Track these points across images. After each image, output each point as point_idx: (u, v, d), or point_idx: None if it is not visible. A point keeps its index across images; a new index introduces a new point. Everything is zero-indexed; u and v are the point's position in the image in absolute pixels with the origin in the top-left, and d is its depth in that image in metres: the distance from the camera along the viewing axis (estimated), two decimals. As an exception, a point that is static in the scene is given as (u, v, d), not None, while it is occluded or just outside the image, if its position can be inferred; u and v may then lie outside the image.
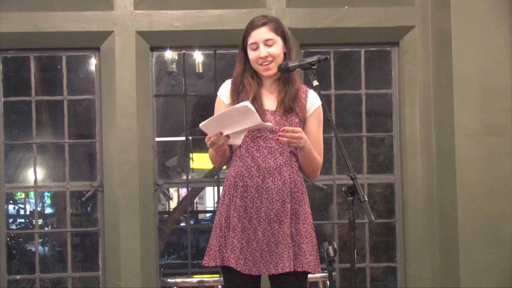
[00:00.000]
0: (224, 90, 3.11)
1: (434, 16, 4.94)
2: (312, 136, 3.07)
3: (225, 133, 2.86)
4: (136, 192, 4.83)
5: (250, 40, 3.02)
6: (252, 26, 3.03)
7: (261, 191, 2.99)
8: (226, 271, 3.04)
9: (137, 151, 4.85)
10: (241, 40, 3.06)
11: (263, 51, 3.01)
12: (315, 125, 3.09)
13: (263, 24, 3.03)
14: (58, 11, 4.85)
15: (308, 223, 3.04)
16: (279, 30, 3.05)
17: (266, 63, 3.02)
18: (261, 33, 3.01)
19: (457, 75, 4.71)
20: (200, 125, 2.83)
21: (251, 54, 3.03)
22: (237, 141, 2.93)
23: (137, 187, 4.84)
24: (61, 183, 5.07)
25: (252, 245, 2.98)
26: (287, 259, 2.97)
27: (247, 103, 2.81)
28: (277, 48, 3.03)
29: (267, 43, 3.01)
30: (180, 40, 4.98)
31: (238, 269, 2.97)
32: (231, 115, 2.83)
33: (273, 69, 3.03)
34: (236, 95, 3.05)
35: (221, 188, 5.16)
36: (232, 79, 3.11)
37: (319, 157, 3.08)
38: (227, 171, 3.10)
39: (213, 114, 2.96)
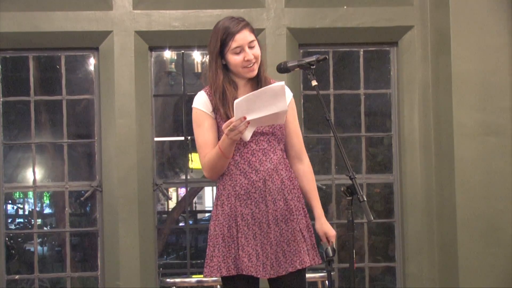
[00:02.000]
0: (202, 101, 3.07)
1: (433, 16, 4.94)
2: (293, 126, 3.12)
3: (248, 118, 2.80)
4: (135, 192, 4.83)
5: (234, 44, 2.98)
6: (232, 31, 2.98)
7: (264, 195, 2.99)
8: (227, 279, 3.03)
9: (136, 151, 4.85)
10: (218, 47, 3.00)
11: (250, 53, 3.00)
12: (293, 116, 3.12)
13: (245, 27, 3.00)
14: (57, 11, 4.85)
15: (306, 217, 3.09)
16: (254, 30, 3.06)
17: (251, 65, 3.02)
18: (245, 36, 3.00)
19: (456, 75, 4.71)
20: (236, 101, 2.78)
21: (235, 58, 3.00)
22: (248, 134, 2.89)
23: (136, 187, 4.84)
24: (60, 183, 5.07)
25: (267, 249, 2.98)
26: (304, 254, 2.99)
27: (283, 83, 2.80)
28: (258, 48, 3.04)
29: (250, 45, 3.01)
30: (179, 40, 4.98)
31: (259, 276, 2.97)
32: (264, 95, 2.79)
33: (256, 70, 3.04)
34: (221, 104, 3.02)
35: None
36: (213, 88, 3.05)
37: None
38: (220, 180, 3.06)
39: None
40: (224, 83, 3.02)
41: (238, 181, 3.00)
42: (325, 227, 3.07)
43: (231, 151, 2.95)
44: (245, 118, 2.80)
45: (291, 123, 3.10)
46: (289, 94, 3.11)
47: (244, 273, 2.97)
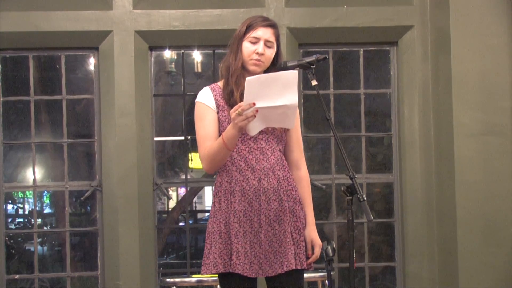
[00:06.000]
0: (205, 96, 3.07)
1: (433, 15, 4.94)
2: (295, 133, 3.13)
3: (257, 104, 2.78)
4: (135, 191, 4.83)
5: (254, 33, 3.01)
6: (257, 23, 3.02)
7: (258, 193, 2.99)
8: (225, 277, 3.03)
9: (136, 150, 4.85)
10: (242, 32, 3.03)
11: (263, 47, 3.01)
12: (296, 122, 3.11)
13: (271, 26, 3.04)
14: (57, 10, 4.85)
15: (303, 220, 3.08)
16: (278, 37, 3.07)
17: (258, 60, 3.02)
18: (266, 32, 3.02)
19: (456, 75, 4.72)
20: (248, 78, 2.77)
21: (249, 47, 3.02)
22: (254, 128, 2.88)
23: (136, 187, 4.84)
24: (60, 182, 5.07)
25: (256, 249, 2.97)
26: (291, 256, 2.98)
27: (296, 71, 2.80)
28: (272, 52, 3.05)
29: (267, 44, 3.03)
30: (179, 40, 4.98)
31: (245, 274, 2.96)
32: (277, 81, 2.78)
33: (260, 68, 3.04)
34: (236, 87, 3.00)
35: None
36: (231, 70, 3.04)
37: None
38: (218, 177, 3.06)
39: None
40: (241, 68, 3.04)
41: (233, 177, 3.01)
42: (313, 234, 3.09)
43: (234, 143, 2.94)
44: (254, 104, 2.79)
45: (293, 130, 3.11)
46: None
47: (227, 270, 2.98)
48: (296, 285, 3.02)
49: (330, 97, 5.11)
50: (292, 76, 2.79)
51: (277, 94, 2.79)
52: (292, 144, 3.14)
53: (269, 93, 2.79)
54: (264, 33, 3.02)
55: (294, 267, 2.98)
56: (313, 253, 3.06)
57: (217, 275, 3.06)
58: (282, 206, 3.01)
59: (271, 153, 3.04)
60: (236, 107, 2.83)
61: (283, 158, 3.09)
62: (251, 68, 3.03)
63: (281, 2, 4.92)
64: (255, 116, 2.81)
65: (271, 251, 2.98)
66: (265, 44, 3.02)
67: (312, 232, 3.09)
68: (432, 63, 4.94)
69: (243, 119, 2.82)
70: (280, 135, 3.08)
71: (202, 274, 3.05)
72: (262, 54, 3.01)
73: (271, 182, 3.00)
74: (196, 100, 3.10)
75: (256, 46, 3.01)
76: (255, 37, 3.01)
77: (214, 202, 3.06)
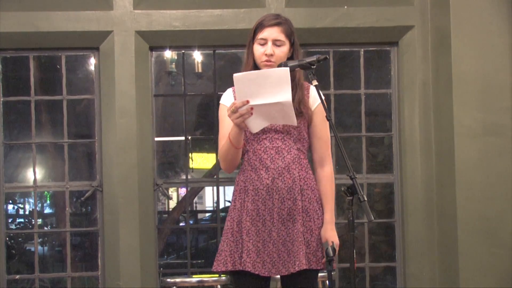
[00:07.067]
0: (227, 97, 3.11)
1: (433, 16, 4.94)
2: (319, 131, 3.10)
3: (251, 102, 2.79)
4: (136, 192, 4.83)
5: (261, 35, 3.02)
6: (264, 23, 3.03)
7: (271, 192, 2.99)
8: (237, 275, 3.04)
9: (137, 151, 4.85)
10: (252, 35, 3.06)
11: (271, 48, 3.01)
12: (319, 120, 3.10)
13: (277, 24, 3.04)
14: (57, 10, 4.85)
15: (319, 220, 3.06)
16: (289, 33, 3.06)
17: (269, 61, 3.03)
18: (273, 32, 3.02)
19: (456, 75, 4.71)
20: (235, 75, 2.77)
21: (258, 49, 3.03)
22: (255, 125, 2.88)
23: (137, 187, 4.84)
24: (61, 183, 5.07)
25: (269, 247, 2.98)
26: (303, 256, 2.99)
27: (288, 68, 2.80)
28: (283, 50, 3.05)
29: (276, 43, 3.03)
30: (180, 40, 4.98)
31: (257, 273, 2.97)
32: (267, 77, 2.78)
33: (273, 68, 3.04)
34: None
35: (220, 188, 5.18)
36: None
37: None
38: (237, 177, 3.09)
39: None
40: (253, 69, 3.05)
41: (248, 177, 3.02)
42: (328, 234, 3.05)
43: (240, 141, 2.95)
44: (248, 102, 2.79)
45: (317, 127, 3.10)
46: (317, 98, 3.05)
47: (237, 268, 2.98)
48: (308, 285, 3.03)
49: (330, 97, 5.11)
50: (283, 73, 2.79)
51: (270, 91, 2.79)
52: (315, 142, 3.12)
53: (262, 91, 2.79)
54: (270, 33, 3.02)
55: (305, 267, 2.98)
56: None
57: (217, 276, 3.06)
58: (296, 205, 3.01)
59: (287, 152, 3.04)
60: (231, 104, 2.84)
61: (301, 157, 3.07)
62: (264, 69, 3.04)
63: (282, 2, 4.92)
64: (251, 113, 2.82)
65: (285, 250, 2.99)
66: (273, 44, 3.02)
67: (328, 232, 3.05)
68: (433, 63, 4.94)
69: (237, 117, 2.83)
70: (297, 134, 3.07)
71: (213, 270, 3.06)
72: (272, 55, 3.01)
73: (285, 181, 3.00)
74: (220, 101, 3.14)
75: (265, 48, 3.02)
76: (263, 39, 3.02)
77: (231, 201, 3.10)
